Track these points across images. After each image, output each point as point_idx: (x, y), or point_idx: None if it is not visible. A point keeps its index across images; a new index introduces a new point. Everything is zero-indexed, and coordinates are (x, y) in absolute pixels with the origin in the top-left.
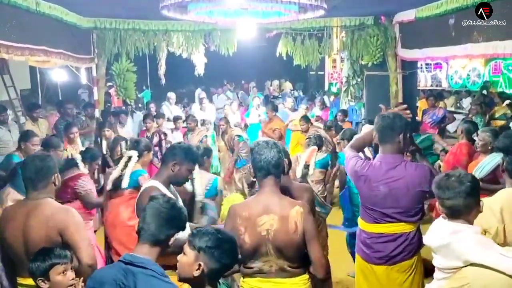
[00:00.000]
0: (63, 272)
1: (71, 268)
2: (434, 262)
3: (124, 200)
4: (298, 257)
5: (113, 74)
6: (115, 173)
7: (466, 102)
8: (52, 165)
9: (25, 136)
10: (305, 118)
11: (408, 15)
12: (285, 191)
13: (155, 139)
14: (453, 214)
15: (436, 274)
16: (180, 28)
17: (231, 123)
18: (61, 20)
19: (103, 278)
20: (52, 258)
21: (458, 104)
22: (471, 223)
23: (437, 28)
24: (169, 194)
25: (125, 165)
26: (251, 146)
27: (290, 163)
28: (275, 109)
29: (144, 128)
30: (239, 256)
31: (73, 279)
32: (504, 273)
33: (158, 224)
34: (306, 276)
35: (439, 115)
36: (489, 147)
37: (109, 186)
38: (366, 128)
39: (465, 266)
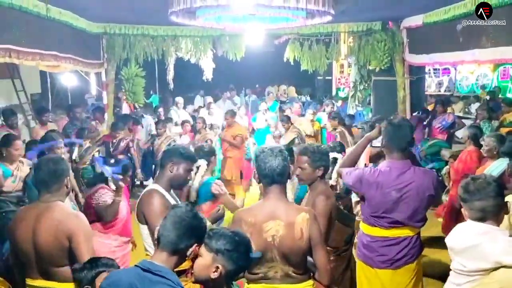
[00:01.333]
0: None
1: None
2: (455, 266)
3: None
4: (303, 263)
5: (122, 79)
6: (193, 192)
7: (475, 108)
8: (66, 168)
9: (6, 141)
10: (286, 118)
11: (415, 21)
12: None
13: (122, 145)
14: (484, 216)
15: (455, 279)
16: (188, 33)
17: (207, 125)
18: (71, 25)
19: (119, 281)
20: (99, 267)
21: (466, 110)
22: (498, 225)
23: (444, 33)
24: (170, 198)
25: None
26: (256, 152)
27: (327, 167)
28: (234, 114)
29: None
30: None
31: None
32: None
33: (178, 232)
34: (310, 282)
35: (449, 120)
36: (495, 152)
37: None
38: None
39: (495, 269)
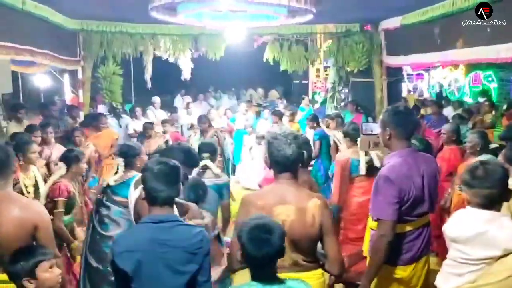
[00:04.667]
0: (50, 268)
1: (56, 264)
2: (455, 255)
3: None
4: (312, 251)
5: (99, 77)
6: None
7: (447, 111)
8: (12, 152)
9: None
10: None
11: (393, 23)
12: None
13: None
14: (490, 203)
15: (456, 269)
16: (167, 31)
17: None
18: (47, 20)
19: (137, 240)
20: (37, 256)
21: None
22: (499, 212)
23: (422, 35)
24: None
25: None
26: (268, 139)
27: (308, 156)
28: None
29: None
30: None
31: (60, 274)
32: None
33: (170, 186)
34: (319, 271)
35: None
36: (478, 149)
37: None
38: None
39: (503, 257)
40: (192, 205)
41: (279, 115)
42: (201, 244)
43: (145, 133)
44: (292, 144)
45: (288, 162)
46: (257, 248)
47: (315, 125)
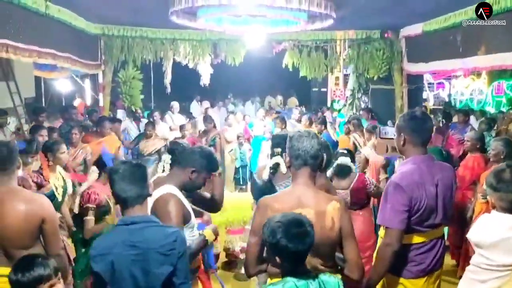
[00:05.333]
0: None
1: (59, 279)
2: (479, 261)
3: None
4: (331, 256)
5: (119, 81)
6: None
7: (470, 120)
8: (17, 148)
9: None
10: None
11: (415, 29)
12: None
13: None
14: None
15: (479, 275)
16: (187, 37)
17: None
18: (69, 24)
19: (110, 243)
20: (34, 268)
21: None
22: None
23: (444, 41)
24: (186, 203)
25: None
26: (290, 134)
27: (327, 161)
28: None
29: None
30: (265, 254)
31: None
32: None
33: (138, 185)
34: (338, 276)
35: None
36: (502, 156)
37: None
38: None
39: None
40: (206, 212)
41: (283, 121)
42: (174, 245)
43: (145, 131)
44: (314, 139)
45: (307, 155)
46: (299, 243)
47: (323, 128)
